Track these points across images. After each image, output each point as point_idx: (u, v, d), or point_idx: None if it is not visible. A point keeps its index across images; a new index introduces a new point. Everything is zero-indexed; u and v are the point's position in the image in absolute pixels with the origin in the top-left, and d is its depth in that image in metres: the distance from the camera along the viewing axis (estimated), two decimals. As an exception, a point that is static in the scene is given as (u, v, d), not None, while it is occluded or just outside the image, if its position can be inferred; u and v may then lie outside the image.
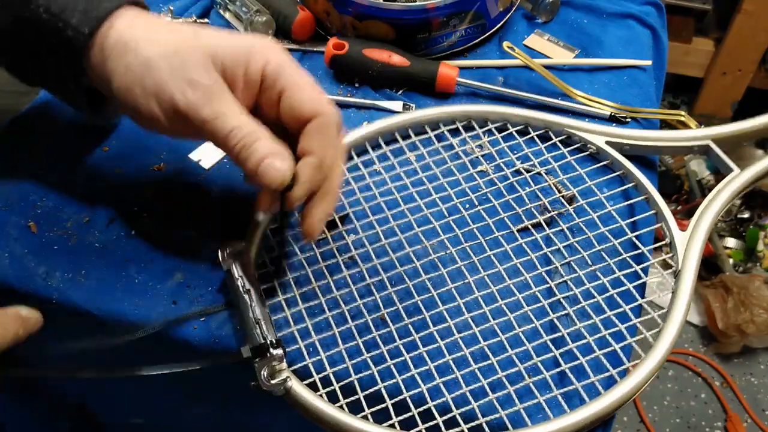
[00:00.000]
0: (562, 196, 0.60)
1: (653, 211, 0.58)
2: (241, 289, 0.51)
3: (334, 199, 0.50)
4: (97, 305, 0.53)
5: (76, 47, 0.47)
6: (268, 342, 0.48)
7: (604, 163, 0.61)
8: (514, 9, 0.76)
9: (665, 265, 0.56)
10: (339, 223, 0.57)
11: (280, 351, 0.48)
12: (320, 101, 0.47)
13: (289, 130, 0.49)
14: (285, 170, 0.46)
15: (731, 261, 1.59)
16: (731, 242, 1.62)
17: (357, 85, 0.70)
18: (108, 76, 0.47)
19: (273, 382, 0.47)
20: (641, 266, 0.55)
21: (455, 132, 0.64)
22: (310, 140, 0.47)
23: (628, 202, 0.59)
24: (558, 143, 0.63)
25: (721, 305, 1.47)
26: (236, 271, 0.51)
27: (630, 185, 0.60)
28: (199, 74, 0.45)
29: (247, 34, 0.48)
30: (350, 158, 0.62)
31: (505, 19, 0.75)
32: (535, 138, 0.63)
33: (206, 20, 0.75)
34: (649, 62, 0.72)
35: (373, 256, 0.55)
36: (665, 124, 0.70)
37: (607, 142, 0.61)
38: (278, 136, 0.47)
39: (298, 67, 0.48)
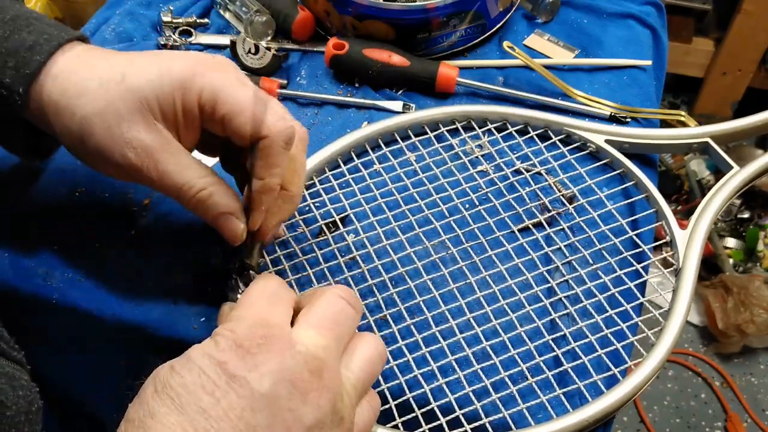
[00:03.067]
0: (562, 195, 0.60)
1: (653, 210, 0.58)
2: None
3: (286, 213, 0.49)
4: (97, 305, 0.53)
5: (13, 106, 0.46)
6: None
7: (604, 161, 0.61)
8: (514, 9, 0.76)
9: (666, 264, 0.56)
10: (340, 224, 0.57)
11: None
12: (260, 123, 0.44)
13: None
14: (238, 232, 0.47)
15: (731, 261, 1.59)
16: (731, 242, 1.62)
17: (357, 85, 0.70)
18: (52, 130, 0.47)
19: None
20: (642, 265, 0.55)
21: (455, 132, 0.64)
22: (255, 163, 0.46)
23: (628, 201, 0.59)
24: (557, 142, 0.63)
25: (721, 305, 1.47)
26: (238, 276, 0.51)
27: (630, 183, 0.60)
28: (135, 131, 0.44)
29: (183, 55, 0.46)
30: (350, 159, 0.62)
31: (505, 19, 0.75)
32: (535, 137, 0.63)
33: (206, 20, 0.76)
34: (649, 62, 0.72)
35: (375, 257, 0.55)
36: (665, 124, 0.70)
37: (607, 141, 0.61)
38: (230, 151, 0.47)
39: (236, 85, 0.45)
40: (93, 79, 0.45)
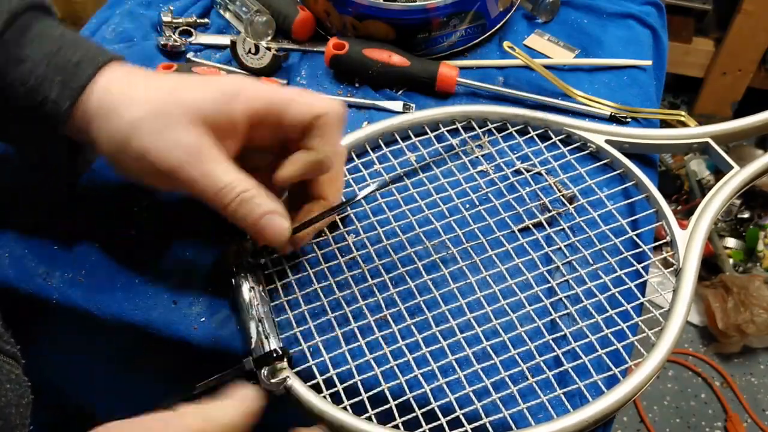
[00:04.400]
0: (563, 195, 0.60)
1: (653, 210, 0.58)
2: (246, 292, 0.50)
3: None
4: (97, 305, 0.53)
5: (57, 121, 0.47)
6: (273, 353, 0.48)
7: (604, 161, 0.61)
8: (514, 9, 0.76)
9: (666, 264, 0.56)
10: (340, 224, 0.57)
11: (284, 364, 0.48)
12: (321, 100, 0.48)
13: (290, 143, 0.50)
14: (284, 229, 0.48)
15: (731, 261, 1.59)
16: (731, 242, 1.62)
17: (357, 85, 0.70)
18: (92, 139, 0.47)
19: (273, 381, 0.47)
20: (642, 265, 0.55)
21: (455, 132, 0.64)
22: (312, 139, 0.48)
23: (629, 201, 0.59)
24: (558, 142, 0.63)
25: (721, 305, 1.47)
26: (241, 273, 0.51)
27: (630, 184, 0.60)
28: (182, 134, 0.45)
29: (227, 77, 0.49)
30: (350, 159, 0.62)
31: (505, 19, 0.75)
32: (535, 137, 0.63)
33: (206, 20, 0.75)
34: (649, 62, 0.72)
35: (375, 257, 0.55)
36: (665, 125, 0.70)
37: (607, 141, 0.61)
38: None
39: (279, 87, 0.49)
40: (143, 89, 0.47)
